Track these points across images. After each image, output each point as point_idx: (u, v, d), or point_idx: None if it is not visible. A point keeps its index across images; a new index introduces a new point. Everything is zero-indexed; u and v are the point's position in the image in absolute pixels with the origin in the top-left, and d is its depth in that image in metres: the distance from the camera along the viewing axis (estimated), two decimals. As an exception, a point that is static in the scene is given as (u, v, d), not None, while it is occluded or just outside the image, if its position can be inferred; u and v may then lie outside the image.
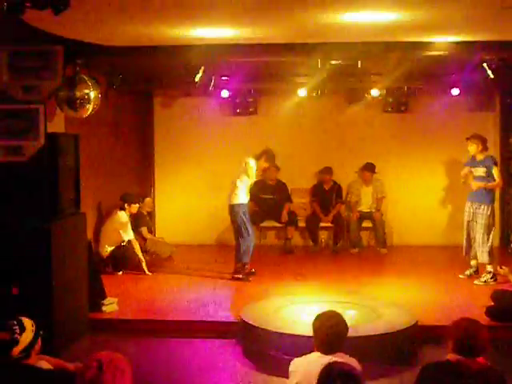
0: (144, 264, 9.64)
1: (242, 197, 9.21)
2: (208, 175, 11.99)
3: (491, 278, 8.84)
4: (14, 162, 6.41)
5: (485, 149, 9.15)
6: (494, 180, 9.06)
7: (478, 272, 9.17)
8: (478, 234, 9.01)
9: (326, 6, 5.65)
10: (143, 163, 12.25)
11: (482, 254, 8.97)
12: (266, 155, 9.42)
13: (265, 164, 9.54)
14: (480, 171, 9.08)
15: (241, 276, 9.19)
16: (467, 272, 9.22)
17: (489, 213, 9.00)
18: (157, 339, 7.04)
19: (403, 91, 11.44)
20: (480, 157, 9.13)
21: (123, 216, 9.81)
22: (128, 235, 9.73)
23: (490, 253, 8.95)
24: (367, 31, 6.72)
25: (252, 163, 9.15)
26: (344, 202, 11.89)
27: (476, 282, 8.93)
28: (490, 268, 8.91)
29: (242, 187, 9.19)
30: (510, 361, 5.88)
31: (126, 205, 9.99)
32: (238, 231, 9.24)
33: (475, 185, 9.03)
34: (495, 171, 9.06)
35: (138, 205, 10.23)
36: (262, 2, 5.50)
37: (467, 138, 9.25)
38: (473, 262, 9.21)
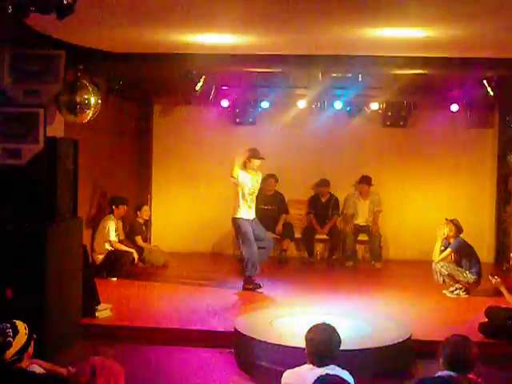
0: (134, 253, 9.99)
1: None
2: (205, 184, 11.98)
3: (463, 292, 8.94)
4: (12, 164, 6.41)
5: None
6: None
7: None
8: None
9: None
10: (141, 170, 12.24)
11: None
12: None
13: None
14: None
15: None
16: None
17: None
18: (149, 346, 7.00)
19: (402, 105, 11.49)
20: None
21: (109, 219, 9.98)
22: (110, 236, 9.89)
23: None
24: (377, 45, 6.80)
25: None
26: (340, 215, 11.89)
27: (446, 291, 9.02)
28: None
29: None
30: (503, 376, 5.89)
31: (113, 207, 10.10)
32: None
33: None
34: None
35: (125, 206, 10.27)
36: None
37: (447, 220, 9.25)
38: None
